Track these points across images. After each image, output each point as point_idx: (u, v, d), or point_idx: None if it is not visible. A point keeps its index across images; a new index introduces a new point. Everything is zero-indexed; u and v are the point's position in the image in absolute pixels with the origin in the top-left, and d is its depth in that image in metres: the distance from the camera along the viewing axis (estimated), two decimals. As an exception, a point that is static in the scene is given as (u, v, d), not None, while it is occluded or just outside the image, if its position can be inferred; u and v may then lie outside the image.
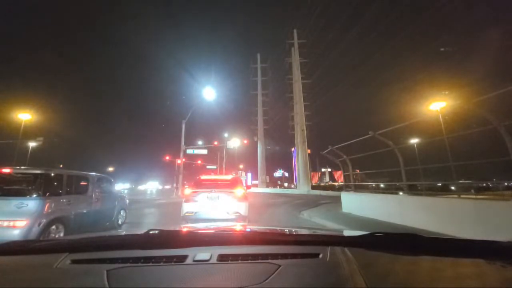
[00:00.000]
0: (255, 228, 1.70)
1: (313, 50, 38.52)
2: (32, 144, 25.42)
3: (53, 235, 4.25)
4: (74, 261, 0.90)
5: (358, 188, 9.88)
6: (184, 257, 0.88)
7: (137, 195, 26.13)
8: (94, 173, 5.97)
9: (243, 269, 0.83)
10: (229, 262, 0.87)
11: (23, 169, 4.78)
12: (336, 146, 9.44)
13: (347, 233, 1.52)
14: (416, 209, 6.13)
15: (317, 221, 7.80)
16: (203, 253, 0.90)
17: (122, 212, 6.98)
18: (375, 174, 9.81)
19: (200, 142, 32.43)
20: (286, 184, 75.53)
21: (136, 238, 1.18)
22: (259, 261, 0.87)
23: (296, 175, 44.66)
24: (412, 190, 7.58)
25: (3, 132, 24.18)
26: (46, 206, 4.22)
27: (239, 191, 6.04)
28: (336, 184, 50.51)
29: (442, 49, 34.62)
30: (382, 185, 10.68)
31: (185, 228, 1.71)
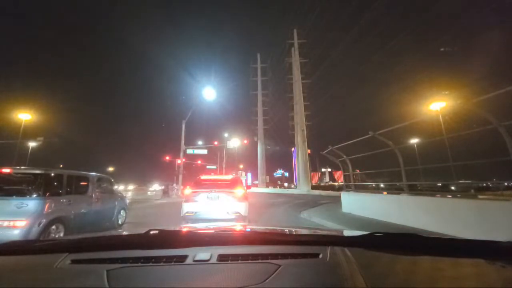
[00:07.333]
0: (255, 228, 1.70)
1: (313, 50, 38.57)
2: (32, 144, 25.47)
3: (53, 235, 4.25)
4: (74, 261, 0.90)
5: (358, 188, 9.87)
6: (184, 257, 0.88)
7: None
8: (94, 173, 5.97)
9: (243, 269, 0.83)
10: (229, 262, 0.87)
11: (23, 169, 4.77)
12: (336, 146, 9.44)
13: (347, 233, 1.51)
14: (416, 209, 6.12)
15: (317, 221, 7.79)
16: (203, 253, 0.90)
17: (122, 212, 6.98)
18: (375, 174, 9.78)
19: (200, 142, 32.39)
20: (286, 184, 75.62)
21: (136, 238, 1.18)
22: (259, 261, 0.87)
23: (296, 175, 44.64)
24: (412, 190, 7.57)
25: (3, 132, 24.22)
26: (46, 206, 4.22)
27: (239, 191, 6.03)
28: (336, 184, 50.56)
29: (442, 49, 34.62)
30: (382, 185, 10.65)
31: (185, 228, 1.71)
